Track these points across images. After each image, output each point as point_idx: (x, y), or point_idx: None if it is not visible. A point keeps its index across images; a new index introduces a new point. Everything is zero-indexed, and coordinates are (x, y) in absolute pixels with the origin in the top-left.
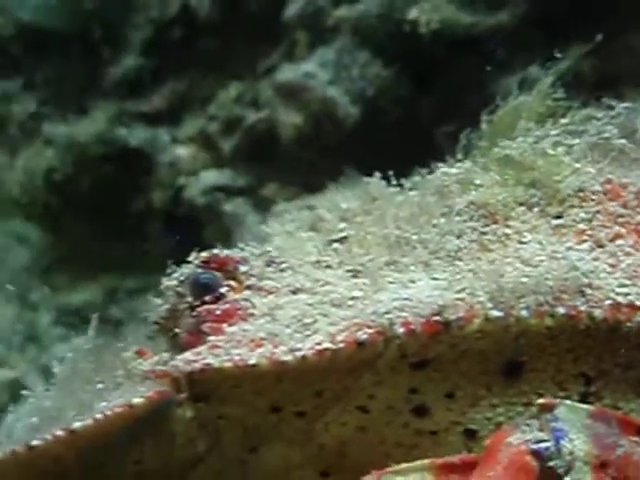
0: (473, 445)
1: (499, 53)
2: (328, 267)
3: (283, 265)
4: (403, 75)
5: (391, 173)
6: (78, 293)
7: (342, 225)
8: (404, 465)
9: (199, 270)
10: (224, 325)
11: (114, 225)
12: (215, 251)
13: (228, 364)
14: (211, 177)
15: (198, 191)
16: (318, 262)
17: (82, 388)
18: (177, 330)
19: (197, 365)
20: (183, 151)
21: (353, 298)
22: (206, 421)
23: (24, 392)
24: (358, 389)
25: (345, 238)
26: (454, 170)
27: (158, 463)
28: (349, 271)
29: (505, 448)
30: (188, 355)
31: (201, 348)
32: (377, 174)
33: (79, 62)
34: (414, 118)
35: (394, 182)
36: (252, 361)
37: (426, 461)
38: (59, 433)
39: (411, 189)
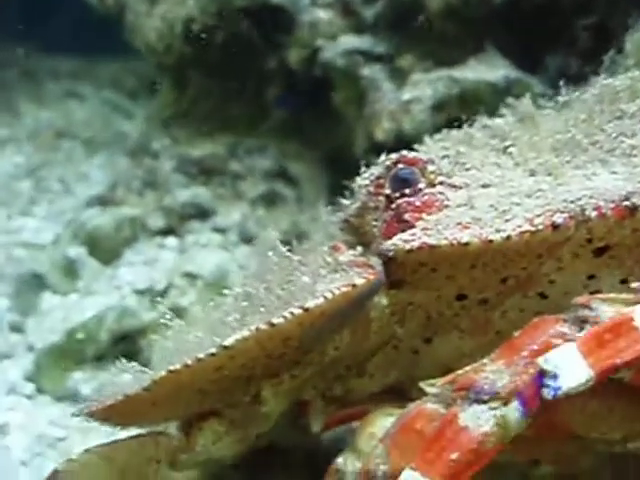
0: None
1: None
2: (506, 169)
3: (467, 165)
4: None
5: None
6: (197, 147)
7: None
8: (612, 295)
9: (400, 166)
10: (423, 215)
11: (240, 83)
12: (403, 152)
13: (444, 242)
14: (350, 41)
15: (336, 53)
16: (497, 164)
17: (284, 280)
18: (366, 227)
19: (415, 243)
20: (323, 14)
21: (541, 190)
22: (396, 309)
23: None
24: (540, 276)
25: (513, 145)
26: (618, 81)
27: (350, 350)
28: (526, 171)
29: None
30: (403, 236)
31: (413, 230)
32: (527, 95)
33: None
34: (558, 4)
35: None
36: (465, 239)
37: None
38: (296, 311)
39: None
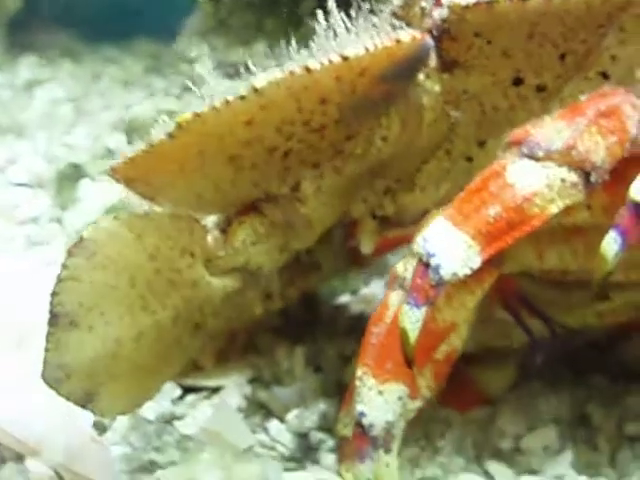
0: None
1: None
2: None
3: None
4: None
5: None
6: (235, 53)
7: None
8: None
9: None
10: None
11: None
12: None
13: None
14: None
15: None
16: None
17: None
18: (414, 18)
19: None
20: None
21: None
22: (450, 97)
23: None
24: (601, 51)
25: None
26: None
27: (400, 148)
28: None
29: None
30: None
31: None
32: None
33: None
34: None
35: None
36: None
37: None
38: (334, 58)
39: None
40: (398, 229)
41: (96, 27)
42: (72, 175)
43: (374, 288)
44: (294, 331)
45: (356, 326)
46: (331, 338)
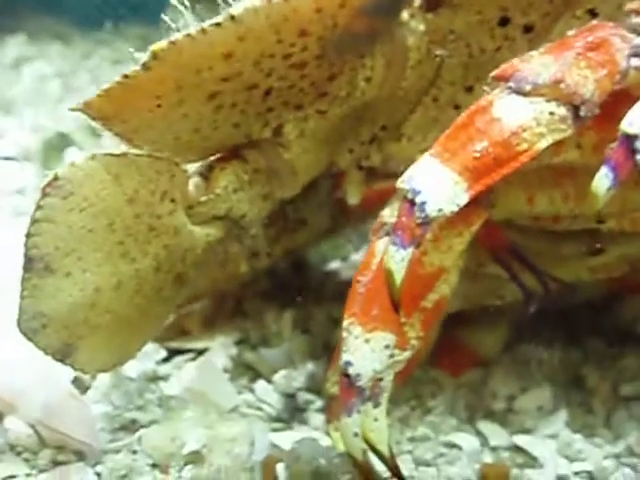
0: None
1: None
2: None
3: None
4: None
5: None
6: None
7: None
8: None
9: None
10: None
11: None
12: None
13: None
14: None
15: None
16: None
17: None
18: None
19: None
20: None
21: None
22: (436, 37)
23: None
24: None
25: None
26: None
27: (385, 86)
28: None
29: None
30: None
31: None
32: None
33: None
34: None
35: None
36: None
37: None
38: None
39: None
40: (385, 181)
41: (88, 13)
42: (59, 144)
43: None
44: (283, 296)
45: (345, 291)
46: (320, 303)
